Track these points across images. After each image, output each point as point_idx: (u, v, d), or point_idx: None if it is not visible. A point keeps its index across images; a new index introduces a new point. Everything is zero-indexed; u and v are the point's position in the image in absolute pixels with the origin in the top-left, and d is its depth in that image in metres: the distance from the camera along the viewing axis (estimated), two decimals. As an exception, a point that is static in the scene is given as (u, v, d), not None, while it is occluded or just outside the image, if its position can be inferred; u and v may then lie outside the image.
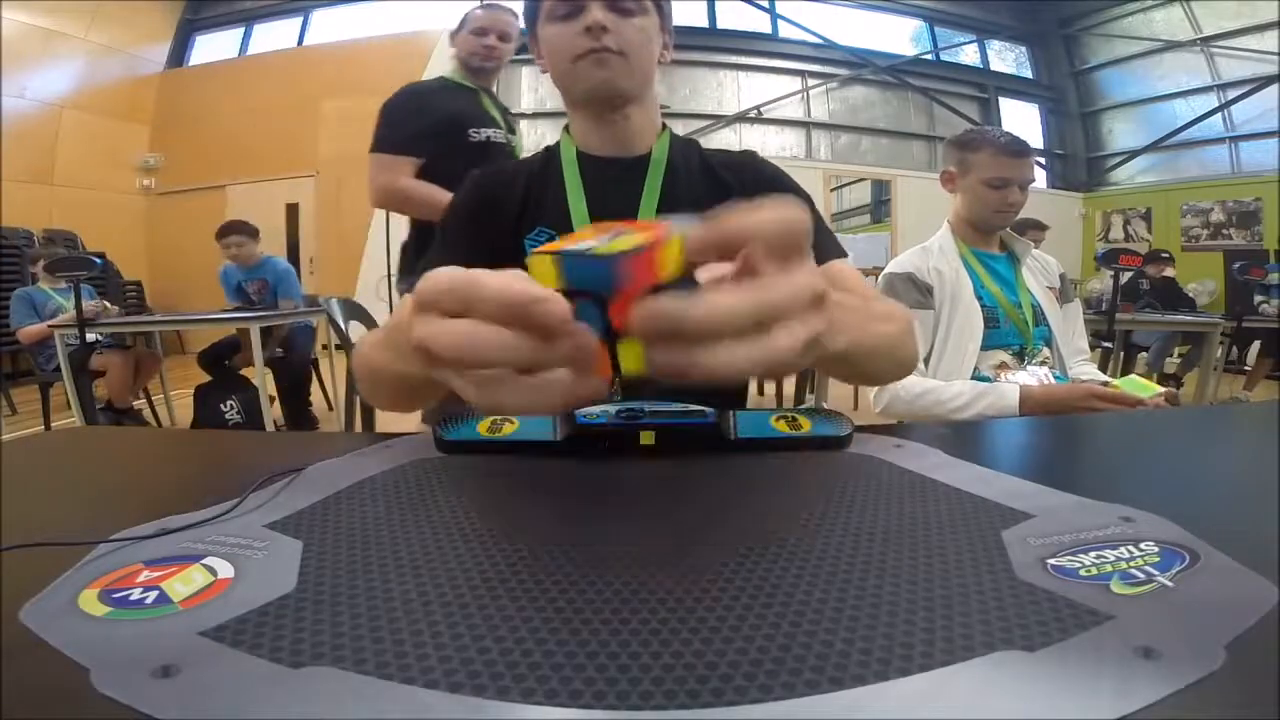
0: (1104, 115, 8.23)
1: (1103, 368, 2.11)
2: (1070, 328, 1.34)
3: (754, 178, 0.80)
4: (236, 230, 3.28)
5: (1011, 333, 1.26)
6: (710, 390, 0.34)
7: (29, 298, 3.29)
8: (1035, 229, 3.71)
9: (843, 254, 0.77)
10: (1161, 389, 1.06)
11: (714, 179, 0.81)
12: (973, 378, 1.22)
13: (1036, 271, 1.35)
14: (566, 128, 0.83)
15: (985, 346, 1.24)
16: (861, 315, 0.49)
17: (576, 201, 0.77)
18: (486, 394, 0.29)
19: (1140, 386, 1.05)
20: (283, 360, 3.26)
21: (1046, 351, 1.29)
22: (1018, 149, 1.26)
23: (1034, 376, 1.21)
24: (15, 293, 3.37)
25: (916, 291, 1.27)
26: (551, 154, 0.82)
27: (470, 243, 0.77)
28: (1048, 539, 0.34)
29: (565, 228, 0.75)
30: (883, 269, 1.36)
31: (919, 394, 1.18)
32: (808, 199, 0.74)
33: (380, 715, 0.22)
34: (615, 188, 0.79)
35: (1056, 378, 1.24)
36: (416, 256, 1.87)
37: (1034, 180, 1.28)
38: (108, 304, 3.39)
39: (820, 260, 0.70)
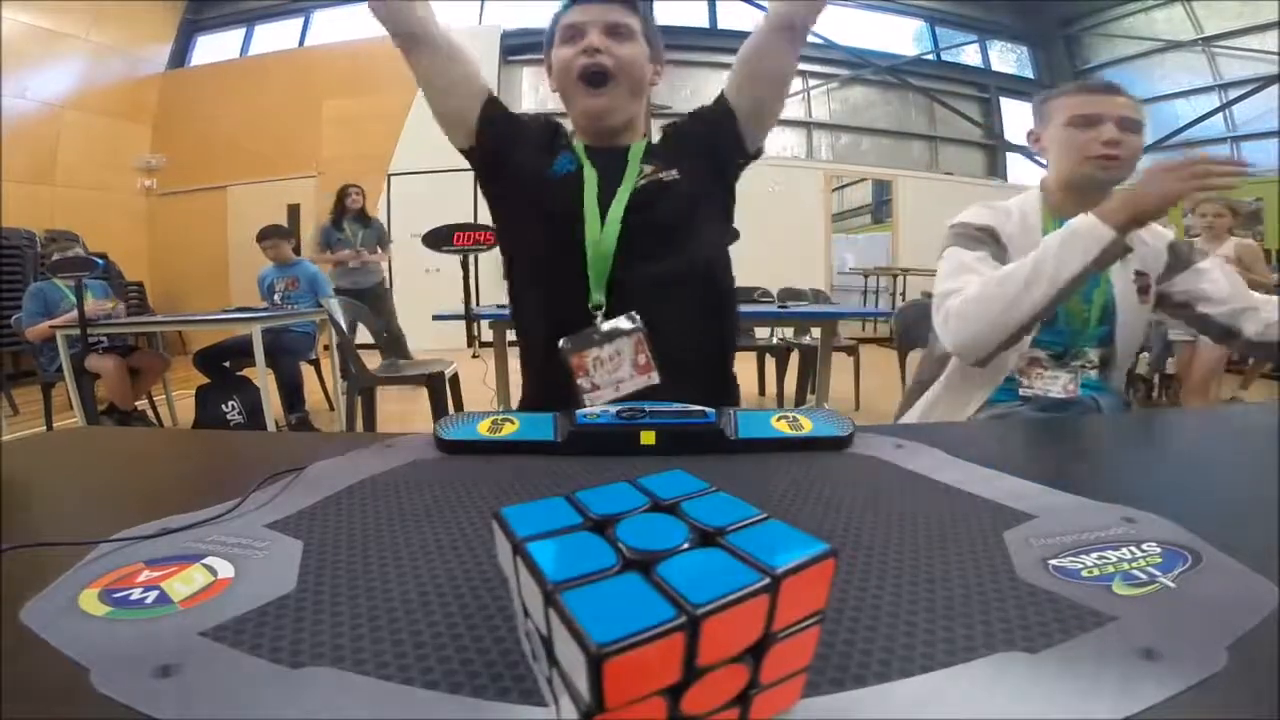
0: (1105, 115, 8.23)
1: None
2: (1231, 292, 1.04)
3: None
4: (271, 234, 3.57)
5: (1063, 333, 1.05)
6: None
7: (42, 294, 3.20)
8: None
9: None
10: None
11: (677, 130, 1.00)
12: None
13: (1130, 257, 1.00)
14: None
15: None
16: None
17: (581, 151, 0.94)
18: None
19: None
20: (273, 364, 3.23)
21: (1092, 355, 1.06)
22: (1100, 83, 1.05)
23: (1059, 383, 1.03)
24: (29, 288, 3.32)
25: (994, 244, 1.04)
26: (557, 129, 0.99)
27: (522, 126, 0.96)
28: (1050, 539, 0.34)
29: (579, 159, 0.93)
30: (883, 268, 1.33)
31: (974, 297, 0.94)
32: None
33: (380, 715, 0.22)
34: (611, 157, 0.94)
35: (1084, 384, 1.04)
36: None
37: (1140, 121, 1.02)
38: (120, 302, 3.38)
39: None
